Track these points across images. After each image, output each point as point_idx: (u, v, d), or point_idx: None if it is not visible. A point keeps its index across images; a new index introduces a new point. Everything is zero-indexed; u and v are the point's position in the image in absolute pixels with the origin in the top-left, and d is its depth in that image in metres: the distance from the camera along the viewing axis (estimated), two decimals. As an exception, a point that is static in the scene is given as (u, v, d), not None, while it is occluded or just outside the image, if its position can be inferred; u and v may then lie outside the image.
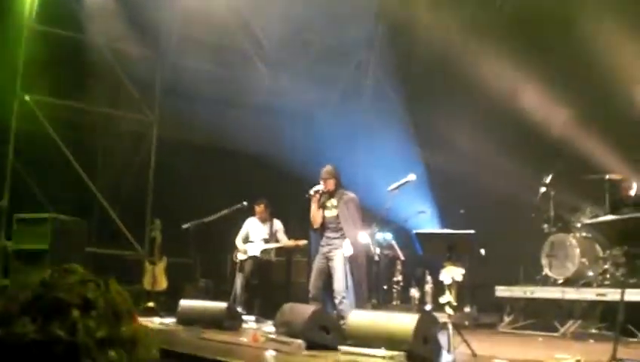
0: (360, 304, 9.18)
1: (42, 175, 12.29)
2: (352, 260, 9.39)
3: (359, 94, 15.68)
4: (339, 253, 9.39)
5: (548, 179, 11.39)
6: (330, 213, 9.63)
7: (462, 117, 13.27)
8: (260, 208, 11.98)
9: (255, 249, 11.77)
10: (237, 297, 11.47)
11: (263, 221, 11.99)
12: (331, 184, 9.60)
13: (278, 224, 12.03)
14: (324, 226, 9.71)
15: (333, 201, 9.63)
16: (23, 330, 1.32)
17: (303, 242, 11.62)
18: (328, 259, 9.50)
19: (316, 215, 9.68)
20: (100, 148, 13.88)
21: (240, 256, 11.80)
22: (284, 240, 11.86)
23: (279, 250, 12.24)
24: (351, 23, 13.68)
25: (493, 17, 13.42)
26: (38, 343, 1.31)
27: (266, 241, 11.83)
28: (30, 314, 1.34)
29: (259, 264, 11.76)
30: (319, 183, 9.63)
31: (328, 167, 9.70)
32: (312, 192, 9.59)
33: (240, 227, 12.00)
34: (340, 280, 9.31)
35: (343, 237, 9.45)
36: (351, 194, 9.66)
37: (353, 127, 14.91)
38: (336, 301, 9.28)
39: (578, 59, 11.78)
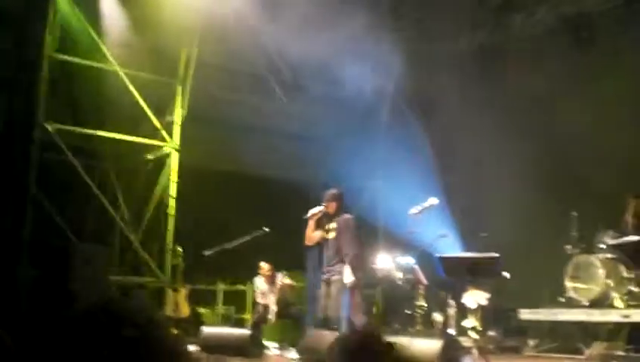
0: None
1: (64, 203, 12.32)
2: (353, 287, 9.39)
3: (378, 118, 15.67)
4: (337, 281, 9.39)
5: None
6: (330, 236, 9.70)
7: (482, 140, 13.24)
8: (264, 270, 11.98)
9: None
10: (260, 323, 11.43)
11: (269, 283, 11.95)
12: (333, 207, 9.68)
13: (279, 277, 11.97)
14: (322, 248, 9.80)
15: (334, 224, 9.69)
16: None
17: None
18: (328, 285, 9.52)
19: (310, 235, 9.80)
20: (122, 176, 13.91)
21: (259, 300, 11.79)
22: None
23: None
24: (368, 48, 13.68)
25: (510, 39, 13.43)
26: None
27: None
28: None
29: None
30: (321, 205, 9.74)
31: (332, 190, 9.83)
32: (308, 215, 9.72)
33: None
34: (334, 309, 9.31)
35: (342, 262, 9.46)
36: (347, 216, 9.71)
37: (373, 152, 14.89)
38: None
39: (606, 75, 11.76)
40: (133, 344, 1.41)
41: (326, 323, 9.38)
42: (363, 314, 9.44)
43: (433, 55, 13.97)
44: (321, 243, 9.82)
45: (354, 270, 9.31)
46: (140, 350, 1.41)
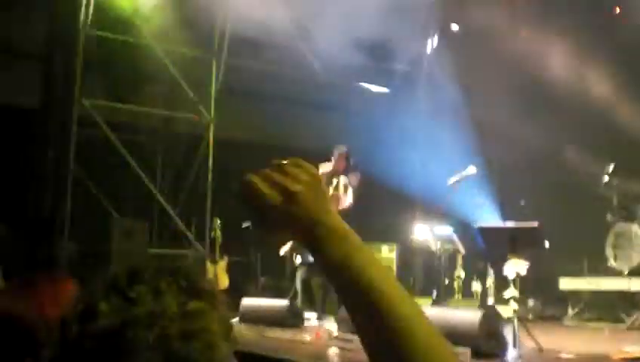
0: None
1: (103, 178, 12.44)
2: None
3: (415, 87, 15.55)
4: None
5: (611, 168, 11.16)
6: (337, 192, 9.90)
7: (521, 106, 13.07)
8: None
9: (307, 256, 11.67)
10: (298, 294, 11.44)
11: None
12: (341, 165, 9.87)
13: None
14: None
15: (342, 180, 9.90)
16: None
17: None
18: None
19: None
20: (159, 150, 14.00)
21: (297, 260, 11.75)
22: None
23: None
24: (405, 16, 13.54)
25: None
26: None
27: None
28: None
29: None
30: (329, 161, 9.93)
31: (340, 148, 9.97)
32: (319, 172, 9.85)
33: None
34: None
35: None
36: (355, 174, 9.95)
37: (410, 121, 14.79)
38: None
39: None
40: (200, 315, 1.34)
41: None
42: None
43: (471, 20, 13.81)
44: None
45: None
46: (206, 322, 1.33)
